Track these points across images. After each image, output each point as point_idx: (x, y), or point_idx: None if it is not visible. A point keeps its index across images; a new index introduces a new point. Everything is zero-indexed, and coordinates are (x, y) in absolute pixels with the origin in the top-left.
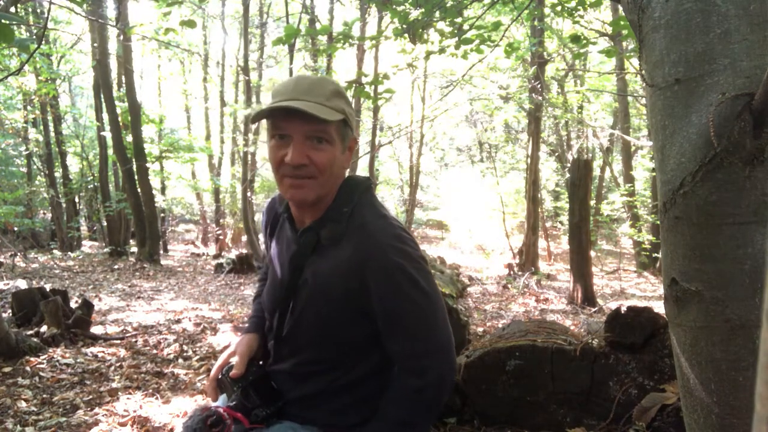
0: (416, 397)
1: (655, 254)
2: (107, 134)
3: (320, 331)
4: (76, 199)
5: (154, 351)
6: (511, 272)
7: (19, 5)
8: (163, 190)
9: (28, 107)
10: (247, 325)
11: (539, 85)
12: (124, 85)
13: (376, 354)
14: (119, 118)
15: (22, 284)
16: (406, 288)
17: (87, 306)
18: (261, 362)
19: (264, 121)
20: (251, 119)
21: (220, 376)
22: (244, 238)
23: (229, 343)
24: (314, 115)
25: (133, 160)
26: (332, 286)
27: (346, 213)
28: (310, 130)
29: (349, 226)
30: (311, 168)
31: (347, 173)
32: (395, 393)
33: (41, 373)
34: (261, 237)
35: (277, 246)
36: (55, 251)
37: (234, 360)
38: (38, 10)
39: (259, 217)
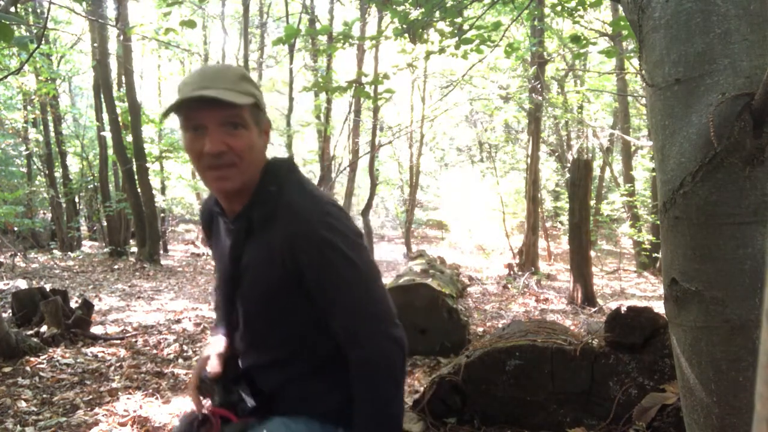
0: (362, 370)
1: (655, 254)
2: (107, 134)
3: (269, 318)
4: (76, 199)
5: (154, 351)
6: (511, 272)
7: (19, 5)
8: (163, 190)
9: (28, 107)
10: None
11: (539, 85)
12: (124, 85)
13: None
14: (119, 118)
15: (22, 284)
16: (336, 262)
17: (87, 306)
18: (237, 359)
19: None
20: (162, 116)
21: (199, 383)
22: None
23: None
24: (225, 100)
25: (133, 160)
26: (269, 270)
27: (273, 192)
28: (223, 116)
29: (277, 207)
30: (230, 155)
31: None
32: (351, 373)
33: (41, 373)
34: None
35: (216, 243)
36: (55, 251)
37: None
38: (38, 10)
39: None
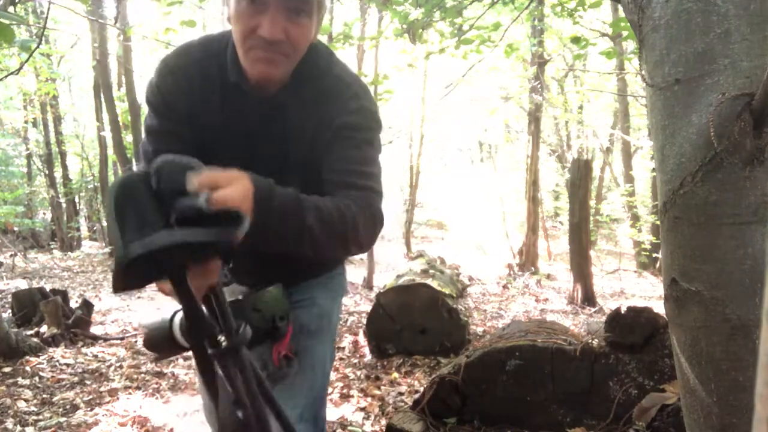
0: (348, 198)
1: (655, 254)
2: (107, 134)
3: (311, 176)
4: (76, 199)
5: None
6: (511, 272)
7: (19, 5)
8: None
9: (28, 107)
10: None
11: (539, 85)
12: (124, 85)
13: None
14: (119, 118)
15: (22, 284)
16: (375, 140)
17: (87, 306)
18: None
19: None
20: None
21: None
22: None
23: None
24: None
25: (133, 160)
26: (320, 135)
27: (323, 67)
28: (293, 1)
29: (330, 80)
30: (286, 45)
31: None
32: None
33: (41, 373)
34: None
35: (228, 112)
36: (55, 251)
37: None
38: (38, 10)
39: None
